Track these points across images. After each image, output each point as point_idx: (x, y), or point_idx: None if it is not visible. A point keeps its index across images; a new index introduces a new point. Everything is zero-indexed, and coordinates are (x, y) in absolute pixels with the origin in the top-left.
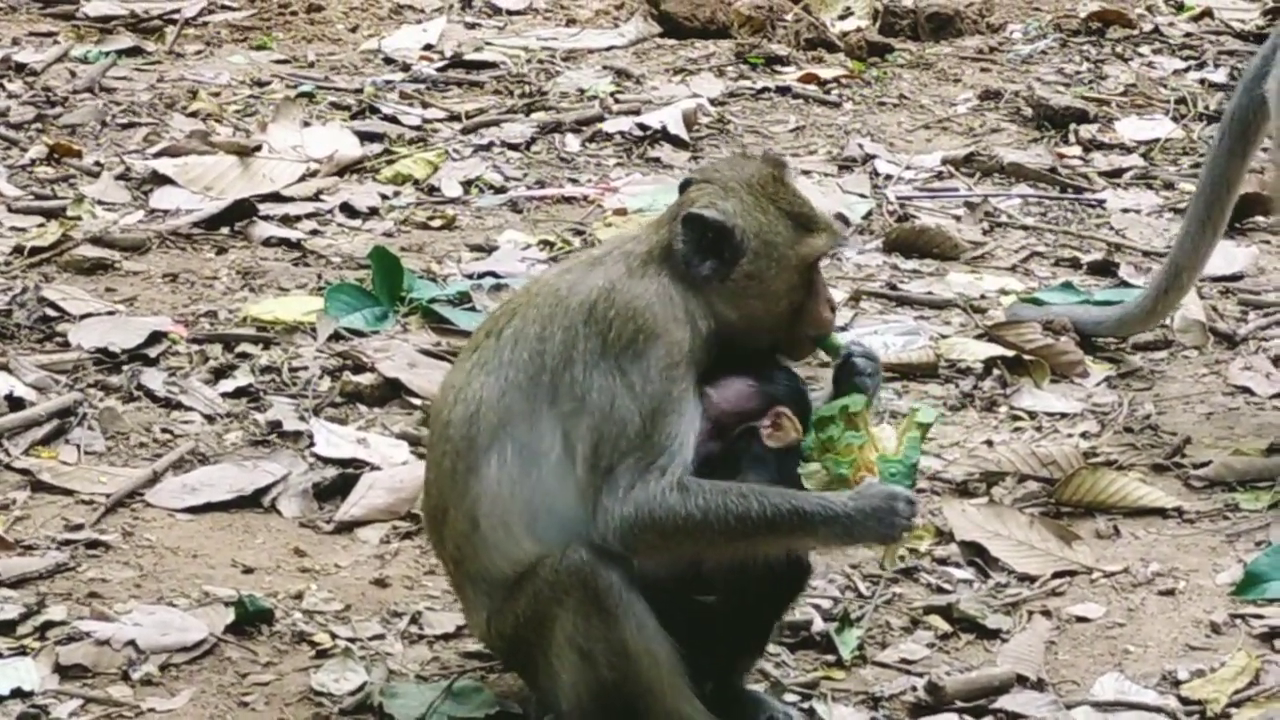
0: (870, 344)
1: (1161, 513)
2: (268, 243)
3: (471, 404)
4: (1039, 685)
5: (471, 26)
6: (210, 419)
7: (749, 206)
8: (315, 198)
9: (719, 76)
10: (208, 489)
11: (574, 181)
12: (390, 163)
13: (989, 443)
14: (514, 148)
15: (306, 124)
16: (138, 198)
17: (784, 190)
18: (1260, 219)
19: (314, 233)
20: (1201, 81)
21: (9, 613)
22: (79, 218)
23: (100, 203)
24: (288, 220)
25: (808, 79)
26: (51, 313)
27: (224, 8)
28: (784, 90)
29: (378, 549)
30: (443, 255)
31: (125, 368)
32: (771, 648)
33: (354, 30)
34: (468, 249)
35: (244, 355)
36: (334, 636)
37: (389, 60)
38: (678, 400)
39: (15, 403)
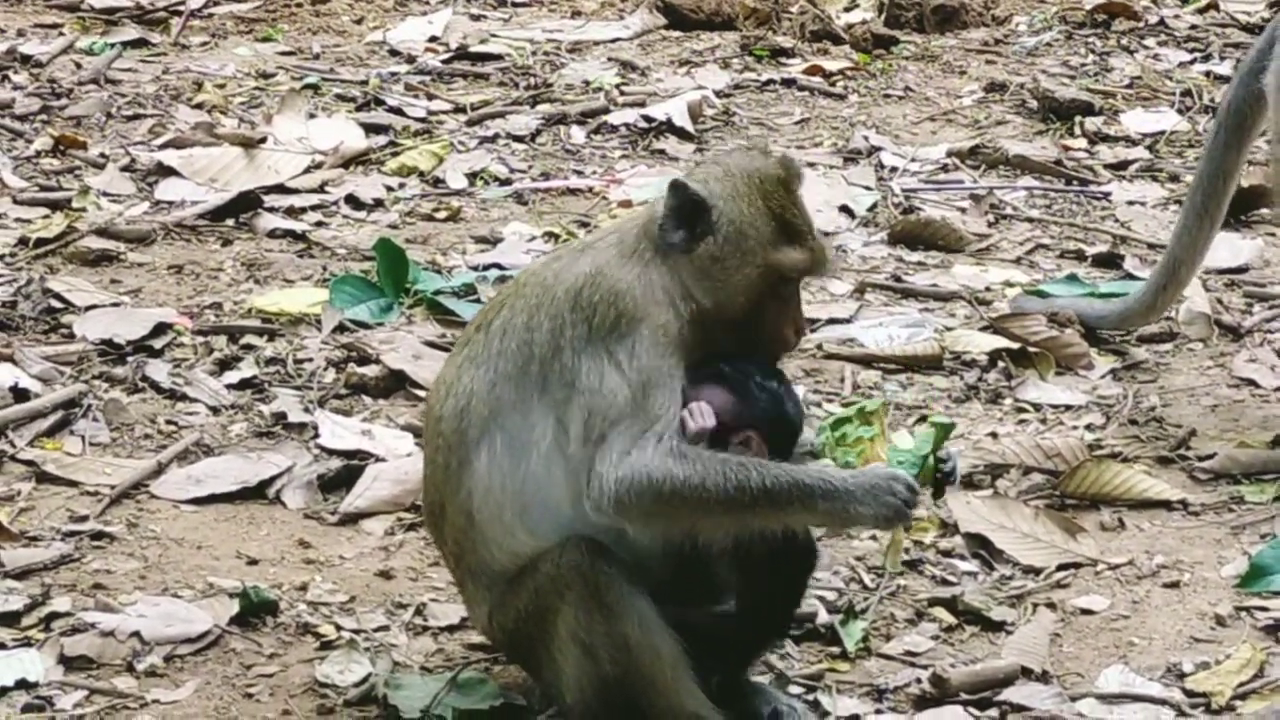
0: (875, 336)
1: (1166, 505)
2: (273, 234)
3: (462, 398)
4: (1044, 677)
5: (476, 18)
6: (215, 410)
7: (737, 194)
8: (320, 189)
9: (724, 68)
10: (212, 480)
11: (579, 173)
12: (395, 154)
13: (994, 435)
14: (519, 140)
15: (312, 116)
16: (143, 189)
17: (783, 194)
18: (1265, 211)
19: (319, 224)
20: (1207, 74)
21: (14, 604)
22: (84, 209)
23: (105, 194)
24: (293, 212)
25: (813, 71)
26: (56, 304)
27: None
28: (789, 82)
29: (382, 540)
30: (448, 247)
31: (130, 359)
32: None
33: (359, 22)
34: (473, 241)
35: (249, 347)
36: (339, 628)
37: (394, 52)
38: (668, 375)
39: (20, 394)
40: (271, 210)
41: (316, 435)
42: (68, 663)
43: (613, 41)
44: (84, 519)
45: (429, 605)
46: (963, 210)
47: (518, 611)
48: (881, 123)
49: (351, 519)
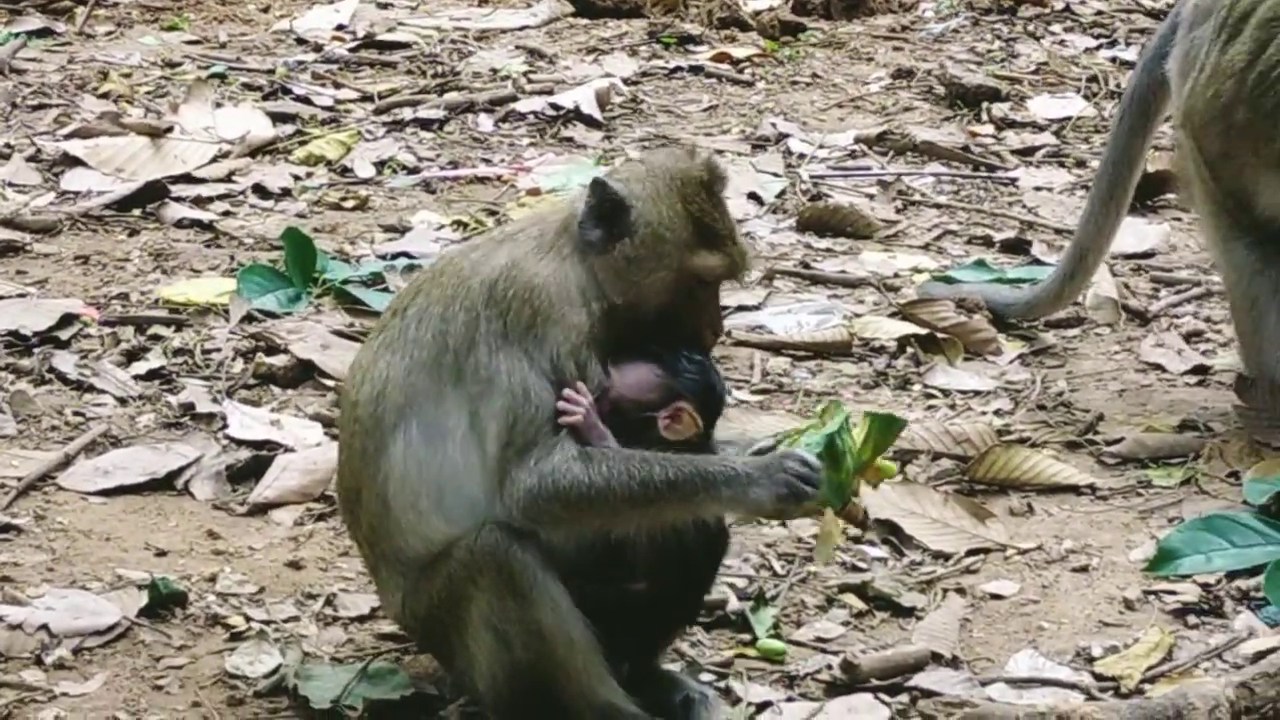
0: (784, 323)
1: (1075, 490)
2: (180, 224)
3: (378, 383)
4: (954, 663)
5: (384, 6)
6: (123, 401)
7: (658, 195)
8: (227, 179)
9: (632, 56)
10: (120, 472)
11: (487, 162)
12: (303, 144)
13: None
14: (427, 128)
15: (218, 105)
16: (49, 180)
17: (703, 197)
18: (1171, 196)
19: (226, 214)
20: (1113, 60)
21: None
22: None
23: (10, 185)
24: (200, 202)
25: (721, 58)
26: None
27: None
28: (697, 70)
29: (291, 531)
30: (356, 236)
31: (36, 350)
32: (687, 627)
33: (266, 10)
34: (381, 230)
35: (156, 337)
36: (248, 619)
37: (301, 41)
38: (580, 378)
39: None
40: (178, 200)
41: (225, 426)
42: None
43: (520, 29)
44: None
45: (339, 595)
46: (871, 197)
47: (431, 598)
48: (789, 109)
49: (260, 509)
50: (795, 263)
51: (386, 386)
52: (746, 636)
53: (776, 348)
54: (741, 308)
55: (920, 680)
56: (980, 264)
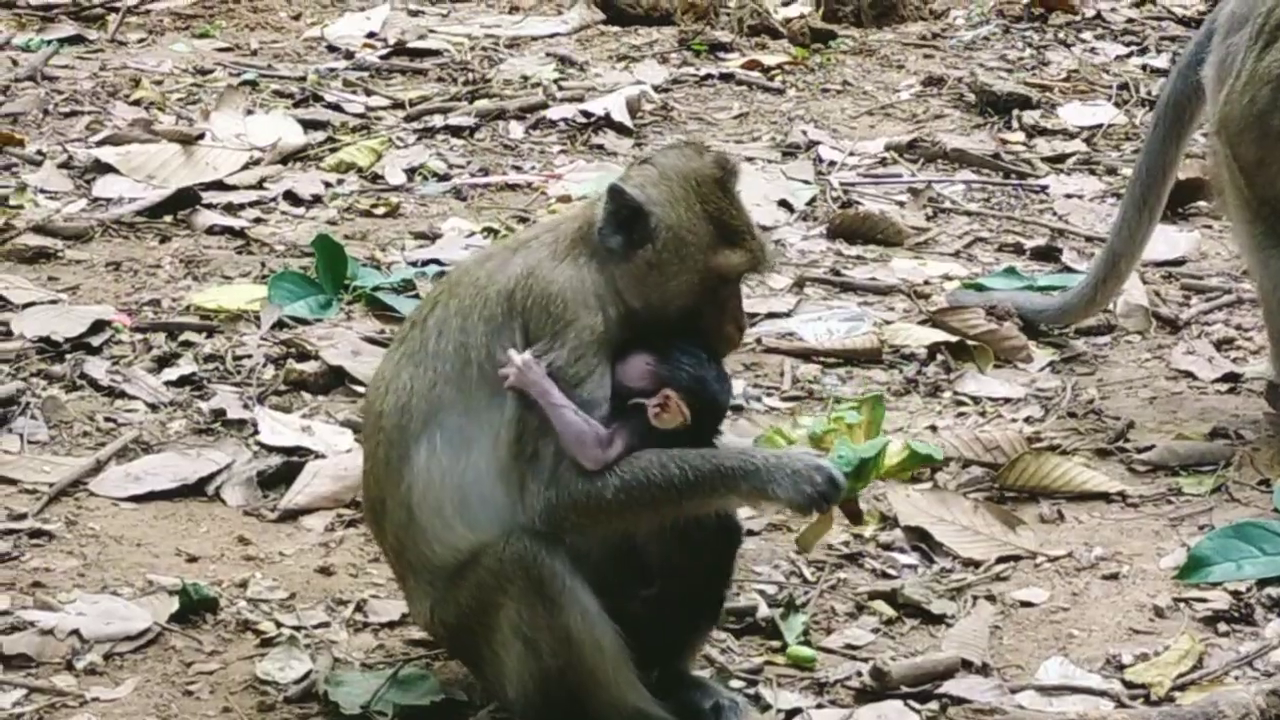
0: (815, 330)
1: (1105, 497)
2: (211, 231)
3: (403, 394)
4: (984, 670)
5: (415, 14)
6: (154, 408)
7: (675, 199)
8: (259, 186)
9: (662, 63)
10: (151, 478)
11: (518, 169)
12: (334, 150)
13: (933, 428)
14: (458, 135)
15: (250, 112)
16: (80, 186)
17: (720, 195)
18: (1203, 204)
19: (257, 221)
20: (1144, 67)
21: None
22: (21, 206)
23: (43, 191)
24: (231, 208)
25: (751, 65)
26: None
27: None
28: (727, 77)
29: (322, 537)
30: (386, 243)
31: (68, 357)
32: (717, 634)
33: (297, 18)
34: (411, 236)
35: (187, 344)
36: (279, 625)
37: (332, 48)
38: (585, 378)
39: None
40: (210, 207)
41: (256, 432)
42: (6, 661)
43: (551, 37)
44: (22, 517)
45: (369, 601)
46: (901, 204)
47: (459, 606)
48: (820, 117)
49: (291, 515)
50: (826, 270)
51: (411, 398)
52: (776, 643)
53: (807, 355)
54: (772, 315)
55: (950, 688)
56: (1011, 271)
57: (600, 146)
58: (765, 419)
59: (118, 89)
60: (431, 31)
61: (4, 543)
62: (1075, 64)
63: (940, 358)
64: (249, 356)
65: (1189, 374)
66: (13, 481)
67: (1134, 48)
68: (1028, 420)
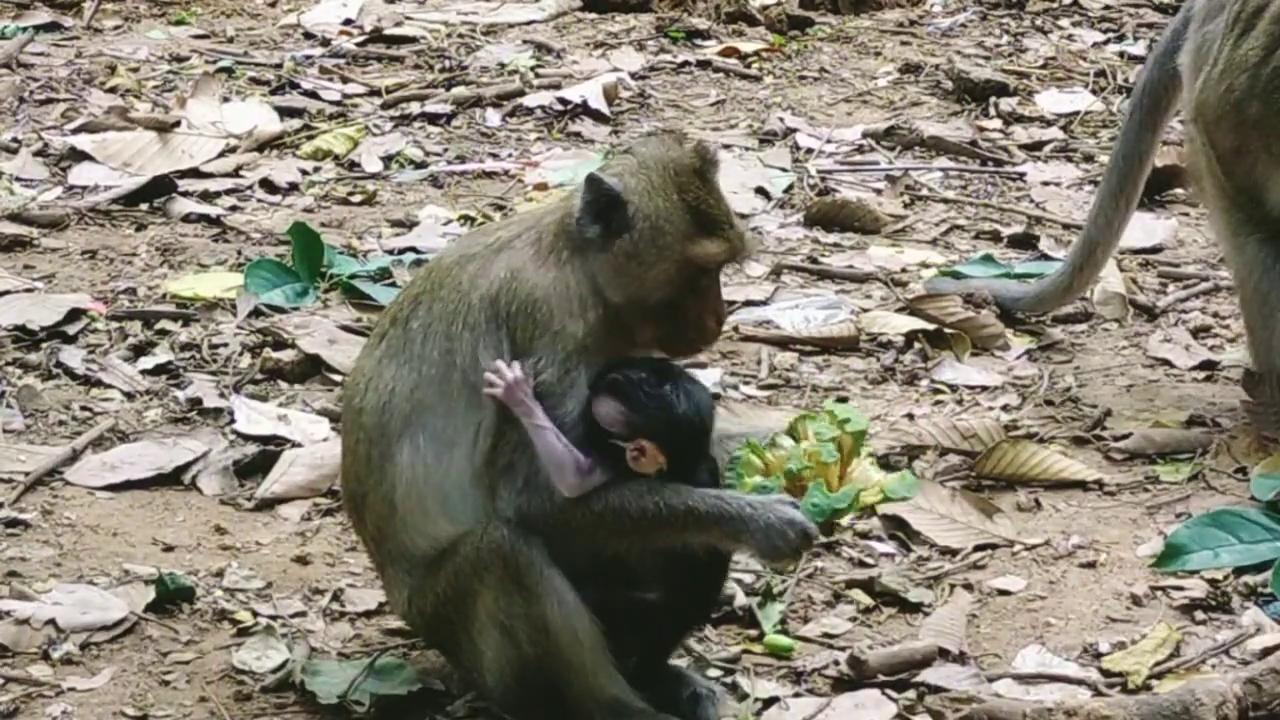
0: (792, 318)
1: (1082, 485)
2: (187, 219)
3: (384, 394)
4: (961, 658)
5: (391, 1)
6: (130, 396)
7: (653, 188)
8: (235, 174)
9: (639, 50)
10: (128, 467)
11: (495, 156)
12: (310, 138)
13: (910, 416)
14: (434, 122)
15: (226, 99)
16: (56, 174)
17: (698, 184)
18: (1179, 191)
19: (234, 209)
20: (1121, 54)
21: None
22: None
23: (18, 179)
24: (207, 196)
25: (728, 53)
26: None
27: None
28: (704, 64)
29: (299, 526)
30: (363, 231)
31: (44, 345)
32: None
33: (273, 4)
34: (388, 224)
35: (163, 332)
36: (255, 614)
37: (308, 35)
38: (566, 394)
39: None
40: (186, 194)
41: (232, 421)
42: None
43: (528, 24)
44: None
45: (346, 591)
46: (878, 191)
47: (437, 595)
48: (797, 104)
49: (268, 504)
50: (803, 257)
51: (393, 398)
52: (754, 632)
53: (784, 343)
54: (749, 303)
55: (927, 676)
56: (988, 259)
57: (577, 134)
58: (742, 407)
59: (93, 76)
60: (408, 18)
61: None
62: (1053, 51)
63: (917, 345)
64: (225, 345)
65: (1166, 362)
66: None
67: (1111, 35)
68: (1005, 408)
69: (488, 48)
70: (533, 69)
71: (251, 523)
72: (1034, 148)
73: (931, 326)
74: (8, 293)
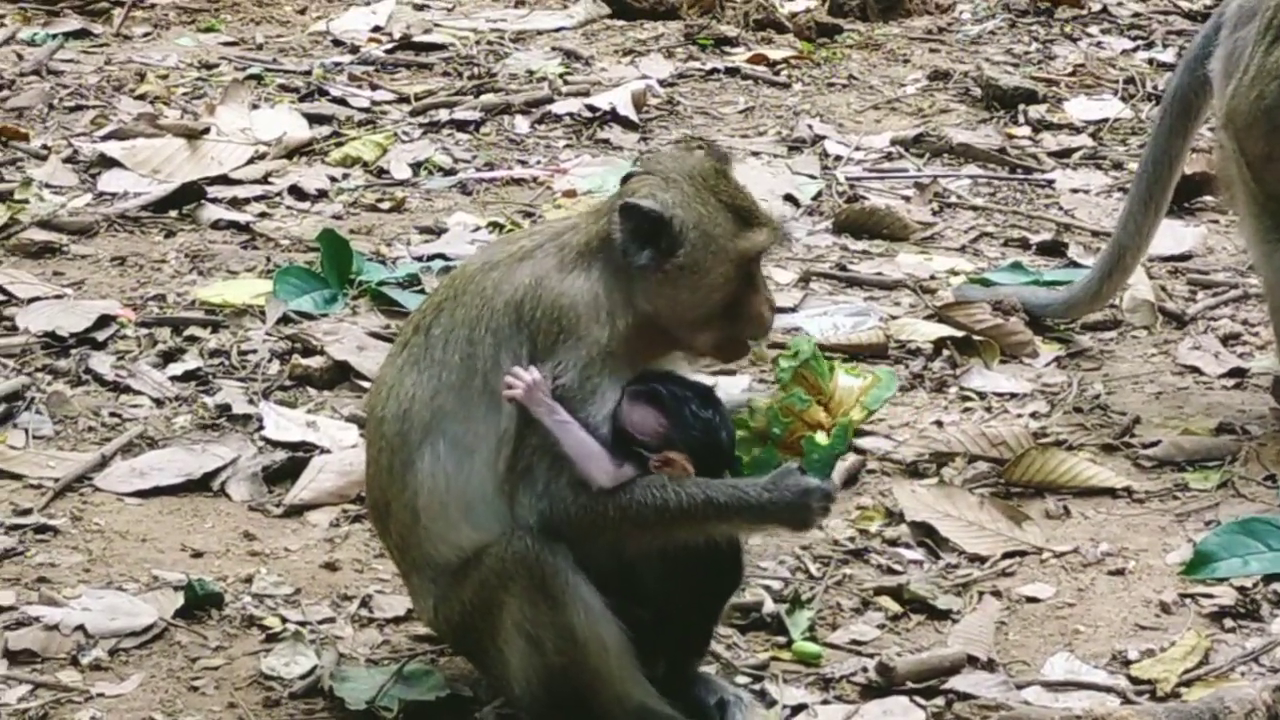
0: (820, 325)
1: (1111, 492)
2: (216, 225)
3: (404, 401)
4: (989, 665)
5: (420, 8)
6: (159, 403)
7: (689, 197)
8: (264, 180)
9: (668, 58)
10: (156, 473)
11: (523, 163)
12: (339, 145)
13: (939, 423)
14: (463, 129)
15: (255, 106)
16: (85, 181)
17: (726, 183)
18: (1209, 198)
19: (263, 215)
20: (1150, 61)
21: None
22: (26, 201)
23: (48, 186)
24: (236, 203)
25: (757, 60)
26: None
27: None
28: (733, 71)
29: (327, 532)
30: (392, 238)
31: (73, 351)
32: (722, 629)
33: (302, 12)
34: (417, 231)
35: (192, 339)
36: (284, 620)
37: (337, 42)
38: (588, 398)
39: None
40: (215, 201)
41: (261, 427)
42: (12, 657)
43: (557, 31)
44: (28, 512)
45: (374, 597)
46: (907, 199)
47: (463, 604)
48: (825, 111)
49: (296, 511)
50: (831, 265)
51: (413, 405)
52: (782, 639)
53: None
54: (778, 309)
55: (956, 683)
56: (1017, 266)
57: (606, 141)
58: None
59: (123, 83)
60: (437, 25)
61: (9, 538)
62: (1081, 58)
63: (946, 353)
64: (254, 351)
65: (1195, 369)
66: (18, 477)
67: (1140, 42)
68: (1034, 415)
69: (516, 55)
70: (561, 76)
71: (280, 529)
72: (1063, 155)
73: (960, 334)
74: (37, 299)
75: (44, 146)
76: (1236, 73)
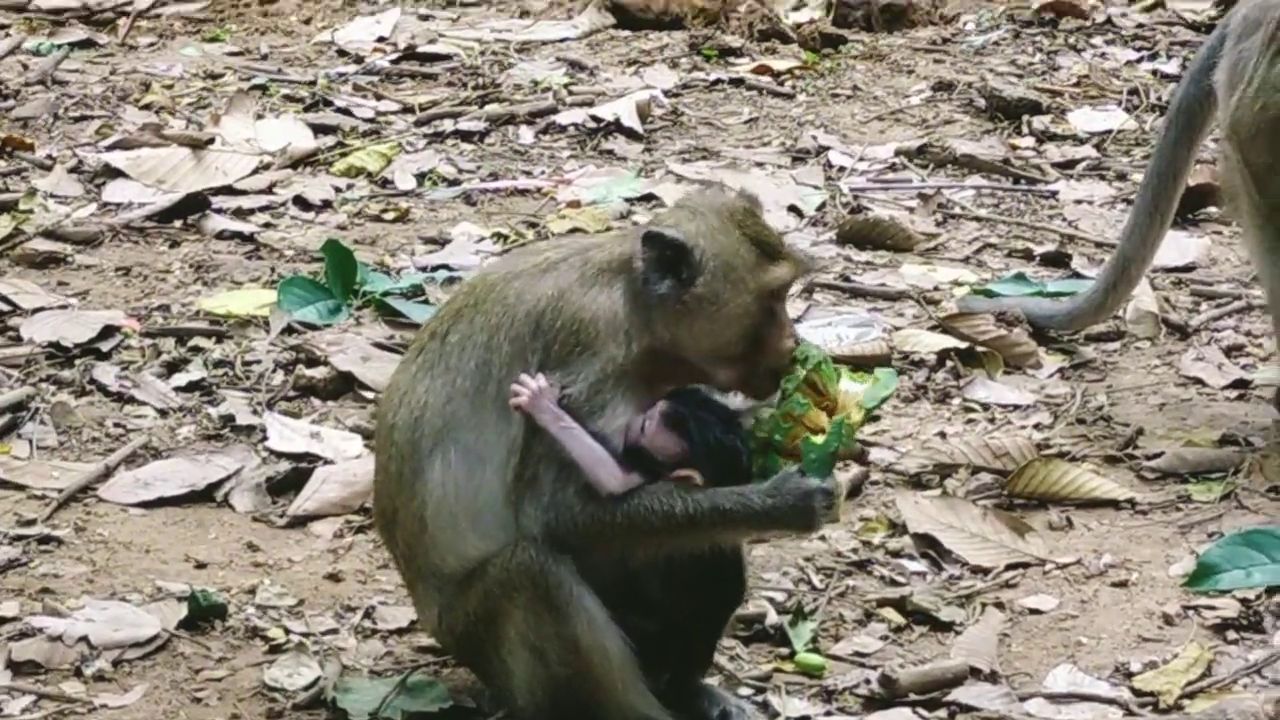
0: (824, 336)
1: (1114, 504)
2: (221, 236)
3: (416, 408)
4: (992, 677)
5: (425, 18)
6: (163, 413)
7: (713, 229)
8: (268, 191)
9: (672, 68)
10: (160, 484)
11: (528, 174)
12: (343, 155)
13: (942, 434)
14: (467, 140)
15: (259, 116)
16: (90, 191)
17: (752, 220)
18: (1212, 210)
19: (267, 226)
20: (1154, 72)
21: None
22: (31, 211)
23: (53, 196)
24: (241, 213)
25: (761, 70)
26: (3, 307)
27: (177, 0)
28: (737, 82)
29: (331, 543)
30: (396, 248)
31: (77, 362)
32: (725, 641)
33: (307, 22)
34: (421, 242)
35: (197, 349)
36: (287, 631)
37: (342, 52)
38: (596, 412)
39: None
40: (219, 212)
41: (265, 438)
42: (15, 668)
43: (561, 41)
44: (31, 523)
45: (378, 608)
46: (911, 210)
47: (467, 615)
48: (829, 122)
49: (300, 521)
50: (835, 275)
51: (425, 412)
52: (785, 650)
53: None
54: None
55: (958, 695)
56: (1020, 277)
57: (610, 152)
58: None
59: (128, 93)
60: (441, 36)
61: (13, 549)
62: (1085, 69)
63: (950, 364)
64: (258, 362)
65: (1198, 380)
66: (21, 487)
67: (1144, 53)
68: (1037, 427)
69: (521, 65)
70: (566, 86)
71: (284, 540)
72: (1067, 166)
73: (964, 345)
74: (42, 309)
75: (49, 156)
76: (1241, 84)
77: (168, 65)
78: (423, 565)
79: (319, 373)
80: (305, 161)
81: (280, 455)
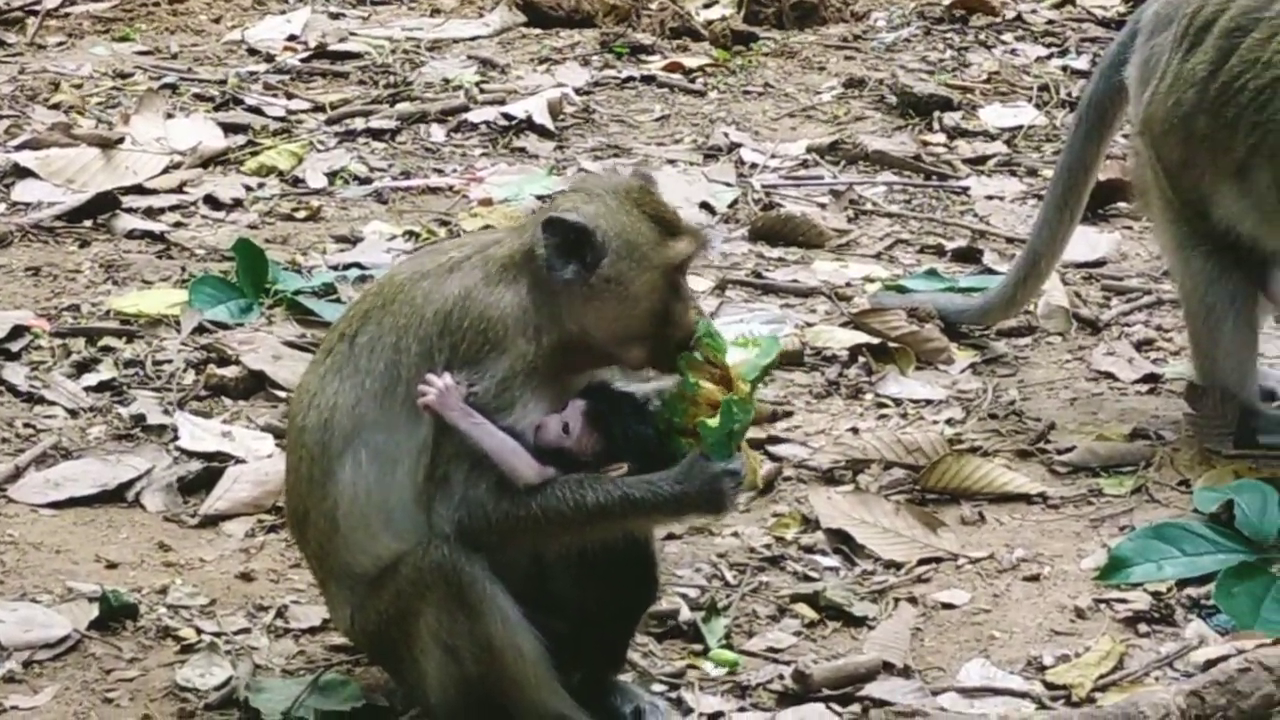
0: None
1: (1026, 498)
2: (131, 235)
3: (325, 410)
4: (905, 672)
5: (335, 16)
6: (73, 413)
7: (612, 210)
8: (179, 190)
9: (584, 66)
10: (71, 484)
11: (439, 172)
12: (254, 154)
13: (854, 430)
14: (379, 138)
15: (170, 116)
16: None
17: (649, 198)
18: (1122, 205)
19: (178, 225)
20: (1064, 69)
21: None
22: None
23: None
24: (151, 213)
25: (673, 68)
26: None
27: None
28: (649, 79)
29: (243, 543)
30: (307, 247)
31: None
32: (639, 637)
33: (217, 21)
34: (332, 240)
35: (107, 349)
36: (199, 631)
37: (253, 51)
38: (505, 408)
39: None
40: (130, 211)
41: (176, 437)
42: None
43: (472, 39)
44: None
45: (290, 607)
46: (823, 206)
47: (380, 614)
48: (741, 119)
49: (212, 521)
50: (747, 272)
51: (335, 414)
52: (698, 647)
53: None
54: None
55: (872, 690)
56: (932, 273)
57: (522, 149)
58: None
59: (37, 93)
60: (352, 34)
61: None
62: (996, 65)
63: (862, 360)
64: (169, 361)
65: (1109, 375)
66: None
67: (1054, 49)
68: (949, 422)
69: (432, 63)
70: (477, 84)
71: (195, 540)
72: (978, 162)
73: (876, 340)
74: None
75: None
76: (1153, 79)
77: (77, 64)
78: (335, 565)
79: (230, 372)
80: (216, 160)
81: (191, 455)
